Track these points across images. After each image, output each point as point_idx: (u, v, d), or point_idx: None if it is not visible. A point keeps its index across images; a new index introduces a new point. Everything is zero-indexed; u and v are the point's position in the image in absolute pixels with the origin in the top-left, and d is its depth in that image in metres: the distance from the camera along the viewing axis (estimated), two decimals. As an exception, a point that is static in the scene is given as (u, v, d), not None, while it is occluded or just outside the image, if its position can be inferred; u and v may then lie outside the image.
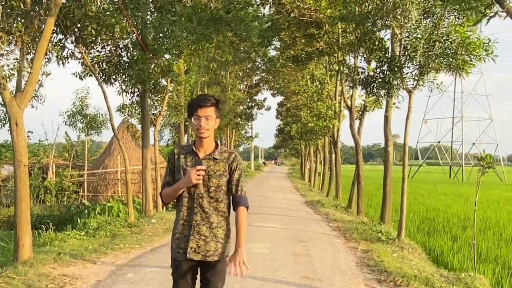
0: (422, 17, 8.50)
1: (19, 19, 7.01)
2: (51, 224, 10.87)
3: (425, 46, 8.25)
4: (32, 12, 7.00)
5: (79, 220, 13.26)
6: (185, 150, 3.06)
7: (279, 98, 45.50)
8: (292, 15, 13.69)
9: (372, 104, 16.04)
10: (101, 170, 18.52)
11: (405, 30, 8.41)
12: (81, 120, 16.98)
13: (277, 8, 14.31)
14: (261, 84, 41.44)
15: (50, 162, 18.60)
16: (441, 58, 8.40)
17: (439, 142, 70.38)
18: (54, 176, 18.41)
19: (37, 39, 6.92)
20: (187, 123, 19.67)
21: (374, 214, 17.11)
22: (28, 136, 18.73)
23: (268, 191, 24.40)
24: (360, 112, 16.17)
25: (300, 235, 9.83)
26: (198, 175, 2.84)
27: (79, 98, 16.84)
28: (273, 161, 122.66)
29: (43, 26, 6.88)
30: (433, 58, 8.18)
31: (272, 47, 27.05)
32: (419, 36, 8.13)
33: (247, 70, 36.50)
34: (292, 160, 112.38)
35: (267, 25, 21.34)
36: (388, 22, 8.26)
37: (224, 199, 2.99)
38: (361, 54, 9.48)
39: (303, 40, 17.24)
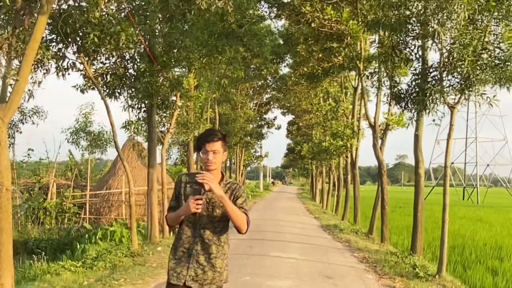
0: (468, 22, 7.44)
1: (7, 18, 6.06)
2: (43, 253, 9.77)
3: (472, 54, 7.19)
4: (22, 11, 6.04)
5: (78, 246, 12.17)
6: (192, 179, 3.10)
7: (290, 117, 44.59)
8: (312, 25, 12.73)
9: (396, 122, 14.99)
10: (104, 190, 17.46)
11: (450, 36, 7.35)
12: (85, 138, 16.03)
13: (295, 18, 13.37)
14: (271, 103, 40.61)
15: (51, 181, 17.57)
16: (489, 69, 7.35)
17: (452, 163, 68.74)
18: (55, 196, 17.38)
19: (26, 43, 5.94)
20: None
21: (397, 240, 15.86)
22: (28, 154, 17.81)
23: (280, 213, 23.17)
24: (382, 131, 15.06)
25: (325, 269, 8.65)
26: (197, 204, 2.89)
27: (82, 114, 15.93)
28: (281, 181, 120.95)
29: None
30: (483, 68, 7.10)
31: (284, 64, 26.33)
32: (468, 42, 7.04)
33: (258, 88, 35.74)
34: (300, 180, 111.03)
35: (281, 40, 20.57)
36: (431, 27, 7.19)
37: (225, 230, 3.09)
38: (395, 64, 8.41)
39: (320, 55, 16.30)
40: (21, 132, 15.74)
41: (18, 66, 6.54)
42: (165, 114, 13.23)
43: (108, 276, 7.71)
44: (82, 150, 17.02)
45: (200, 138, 3.11)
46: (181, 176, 3.20)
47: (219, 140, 3.05)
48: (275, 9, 15.09)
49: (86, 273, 8.01)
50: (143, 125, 12.80)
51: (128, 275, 7.77)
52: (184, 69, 14.22)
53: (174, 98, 12.87)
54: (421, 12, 7.42)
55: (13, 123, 15.57)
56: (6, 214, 5.58)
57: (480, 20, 7.70)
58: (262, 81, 33.18)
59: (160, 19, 11.50)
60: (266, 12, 17.21)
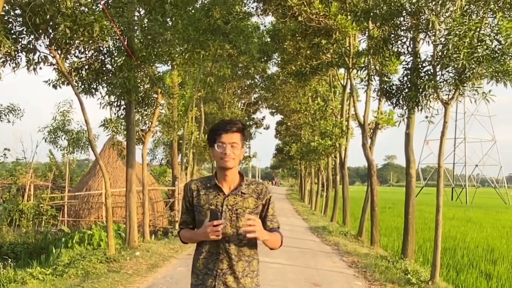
0: (463, 12, 7.00)
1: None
2: (9, 260, 9.12)
3: (468, 46, 6.74)
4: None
5: (54, 250, 11.53)
6: (205, 185, 2.59)
7: (278, 117, 44.16)
8: (299, 18, 12.23)
9: (385, 121, 14.58)
10: (83, 192, 16.78)
11: (445, 28, 6.89)
12: (63, 137, 15.37)
13: (282, 11, 12.85)
14: (259, 102, 40.14)
15: (27, 182, 16.83)
16: (485, 62, 6.89)
17: (440, 163, 68.73)
18: (32, 198, 16.65)
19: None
20: (180, 141, 18.08)
21: (387, 242, 15.43)
22: (4, 154, 17.07)
23: (267, 215, 22.62)
24: (372, 130, 14.63)
25: (312, 276, 8.15)
26: (216, 230, 2.34)
27: (60, 112, 15.25)
28: (271, 182, 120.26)
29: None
30: (479, 61, 6.65)
31: (272, 62, 25.92)
32: (463, 33, 6.58)
33: (245, 88, 35.27)
34: (290, 181, 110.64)
35: (268, 38, 20.10)
36: (425, 17, 6.72)
37: (253, 242, 2.53)
38: (386, 59, 7.95)
39: (308, 52, 15.82)
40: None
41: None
42: (146, 112, 12.62)
43: (78, 285, 7.14)
44: (61, 150, 16.33)
45: (215, 129, 2.54)
46: (190, 183, 2.63)
47: (238, 131, 2.52)
48: (261, 3, 14.58)
49: (55, 281, 7.42)
50: (122, 123, 12.21)
51: (100, 284, 7.21)
52: (166, 65, 13.66)
53: (155, 95, 12.27)
54: (414, 1, 6.94)
55: (-13, 121, 14.90)
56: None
57: (475, 12, 7.29)
58: (250, 80, 32.72)
59: (139, 11, 10.94)
60: (253, 8, 16.74)
